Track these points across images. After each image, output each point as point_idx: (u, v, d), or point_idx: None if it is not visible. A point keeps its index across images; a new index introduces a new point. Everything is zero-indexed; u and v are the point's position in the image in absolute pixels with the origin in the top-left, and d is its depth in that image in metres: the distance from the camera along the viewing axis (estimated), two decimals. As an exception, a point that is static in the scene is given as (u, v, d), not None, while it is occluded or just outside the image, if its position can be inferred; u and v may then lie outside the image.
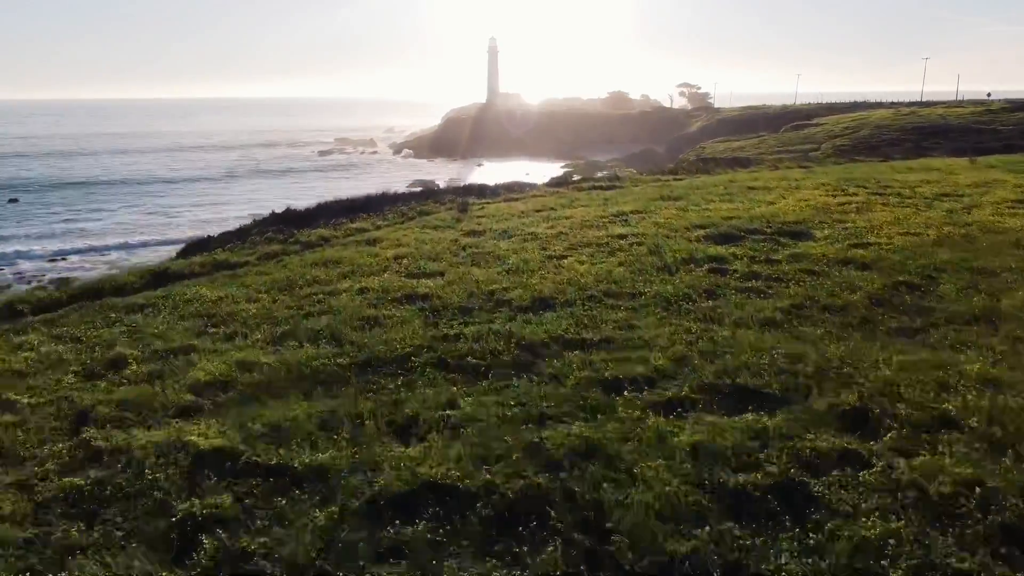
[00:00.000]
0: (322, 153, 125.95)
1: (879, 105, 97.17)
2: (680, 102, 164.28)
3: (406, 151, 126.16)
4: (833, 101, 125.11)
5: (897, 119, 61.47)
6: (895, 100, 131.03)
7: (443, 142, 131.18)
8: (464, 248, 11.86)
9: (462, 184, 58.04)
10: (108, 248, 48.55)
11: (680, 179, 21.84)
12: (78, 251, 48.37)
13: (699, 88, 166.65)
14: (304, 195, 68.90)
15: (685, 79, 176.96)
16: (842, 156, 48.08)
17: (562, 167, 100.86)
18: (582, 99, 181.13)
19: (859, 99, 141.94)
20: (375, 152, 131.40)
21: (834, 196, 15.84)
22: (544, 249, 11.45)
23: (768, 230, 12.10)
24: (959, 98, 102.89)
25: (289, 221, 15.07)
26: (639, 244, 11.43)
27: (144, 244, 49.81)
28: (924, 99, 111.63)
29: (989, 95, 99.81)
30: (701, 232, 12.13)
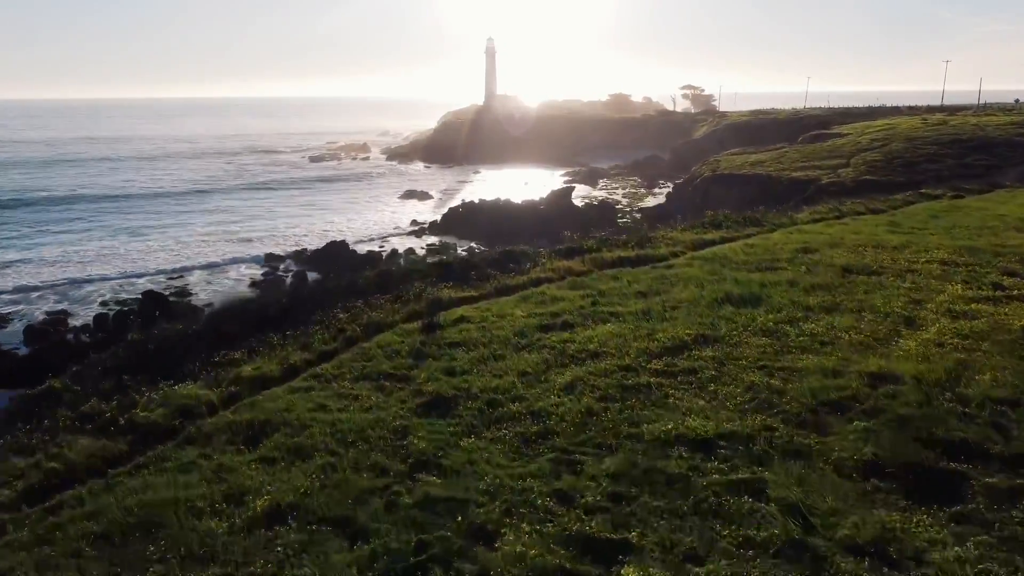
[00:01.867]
0: (313, 159, 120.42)
1: (897, 111, 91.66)
2: (683, 104, 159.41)
3: (400, 157, 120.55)
4: (847, 105, 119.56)
5: (928, 129, 56.06)
6: (900, 99, 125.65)
7: (439, 147, 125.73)
8: (413, 473, 6.24)
9: (452, 202, 51.93)
10: (57, 283, 42.90)
11: (731, 238, 16.34)
12: (22, 288, 42.91)
13: (703, 90, 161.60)
14: (283, 215, 63.08)
15: (683, 79, 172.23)
16: (877, 174, 42.74)
17: (562, 175, 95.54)
18: (582, 101, 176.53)
19: (868, 98, 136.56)
20: (368, 158, 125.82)
21: (997, 302, 10.30)
22: (567, 501, 5.73)
23: (991, 453, 6.28)
24: (982, 102, 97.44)
25: (146, 362, 9.51)
26: (756, 495, 5.72)
27: (103, 277, 43.96)
28: (940, 102, 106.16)
29: (1017, 101, 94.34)
30: (862, 446, 6.21)
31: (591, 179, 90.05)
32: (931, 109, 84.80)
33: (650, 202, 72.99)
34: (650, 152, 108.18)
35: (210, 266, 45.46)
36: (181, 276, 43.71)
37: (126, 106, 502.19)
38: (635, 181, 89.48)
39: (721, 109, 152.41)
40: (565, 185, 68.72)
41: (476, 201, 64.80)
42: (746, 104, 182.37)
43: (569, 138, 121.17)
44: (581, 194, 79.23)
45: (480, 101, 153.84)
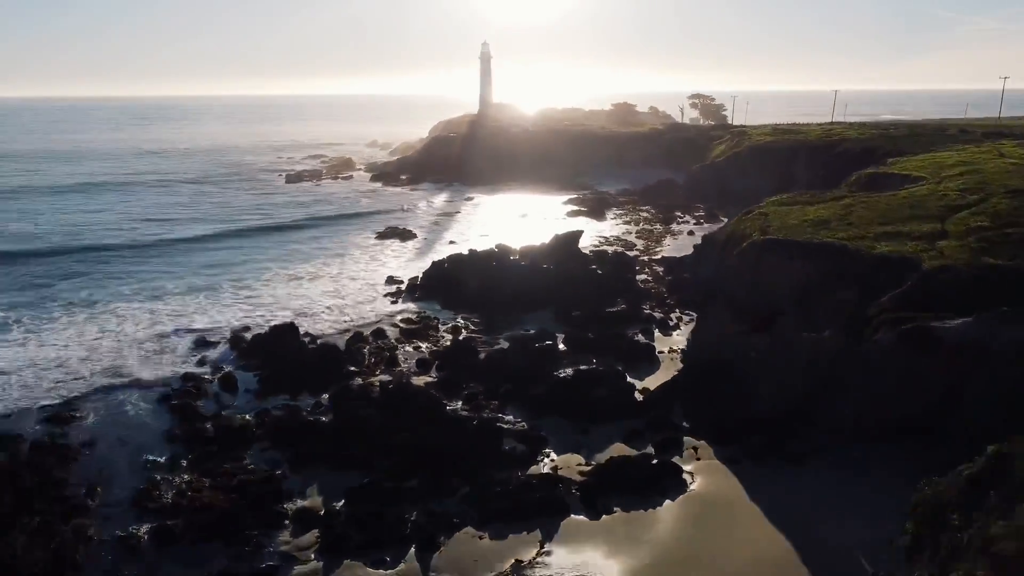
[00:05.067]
0: (289, 179, 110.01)
1: (944, 132, 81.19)
2: (691, 114, 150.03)
3: (386, 178, 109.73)
4: (876, 117, 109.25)
5: None
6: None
7: (429, 163, 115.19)
8: None
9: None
10: None
11: None
12: None
13: (713, 99, 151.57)
14: (232, 273, 51.11)
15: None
16: (997, 255, 32.01)
17: (565, 203, 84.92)
18: (584, 110, 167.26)
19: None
20: (351, 176, 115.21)
21: None
22: None
23: None
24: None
25: None
26: None
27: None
28: (998, 114, 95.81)
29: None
30: None
31: (598, 210, 79.45)
32: (987, 134, 74.20)
33: (670, 247, 62.37)
34: (662, 174, 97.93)
35: (114, 375, 34.45)
36: (72, 400, 31.77)
37: (103, 107, 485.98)
38: (649, 213, 78.88)
39: (733, 121, 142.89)
40: (570, 230, 58.04)
41: (465, 252, 54.29)
42: (756, 112, 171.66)
43: (571, 154, 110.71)
44: (589, 232, 68.65)
45: (475, 109, 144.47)
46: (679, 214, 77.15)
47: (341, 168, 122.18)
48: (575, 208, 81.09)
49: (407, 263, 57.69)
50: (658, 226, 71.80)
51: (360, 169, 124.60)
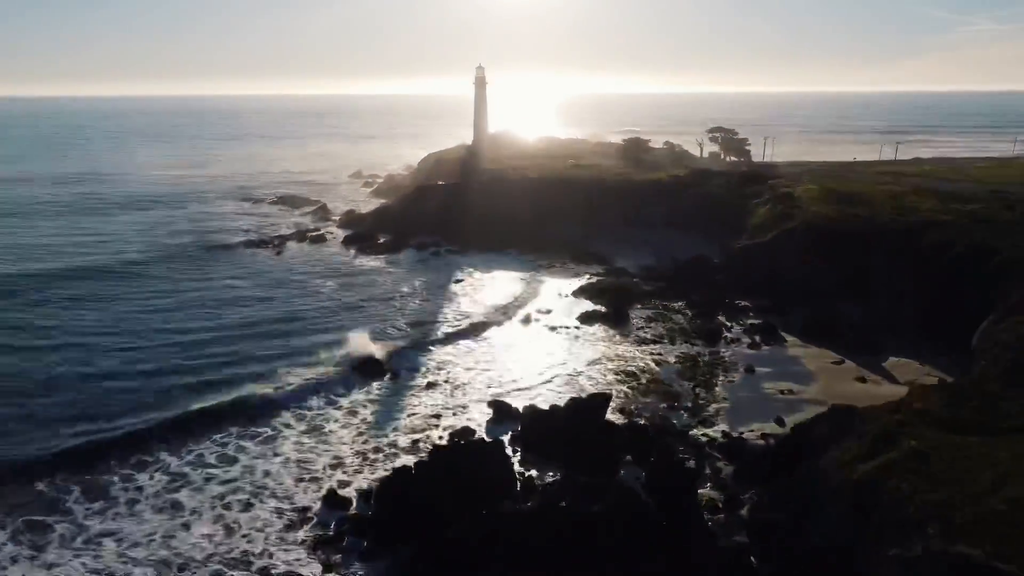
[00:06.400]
0: (248, 244, 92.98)
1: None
2: (710, 148, 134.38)
3: (360, 243, 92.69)
4: (947, 154, 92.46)
5: None
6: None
7: (414, 217, 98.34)
8: None
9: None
10: None
11: None
12: None
13: (736, 133, 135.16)
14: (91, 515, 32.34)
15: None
16: None
17: (578, 296, 67.94)
18: (589, 142, 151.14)
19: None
20: (322, 235, 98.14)
21: None
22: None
23: None
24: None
25: None
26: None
27: None
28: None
29: None
30: None
31: (619, 313, 62.42)
32: None
33: (727, 401, 45.39)
34: (691, 242, 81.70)
35: None
36: None
37: (48, 111, 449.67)
38: (682, 317, 62.37)
39: (764, 157, 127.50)
40: (592, 392, 41.43)
41: (443, 442, 37.85)
42: (778, 134, 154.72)
43: (580, 205, 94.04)
44: (610, 357, 52.20)
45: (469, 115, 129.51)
46: (724, 321, 60.32)
47: (311, 225, 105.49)
48: (590, 307, 64.26)
49: (365, 436, 40.96)
50: (702, 347, 54.88)
51: (334, 222, 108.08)
